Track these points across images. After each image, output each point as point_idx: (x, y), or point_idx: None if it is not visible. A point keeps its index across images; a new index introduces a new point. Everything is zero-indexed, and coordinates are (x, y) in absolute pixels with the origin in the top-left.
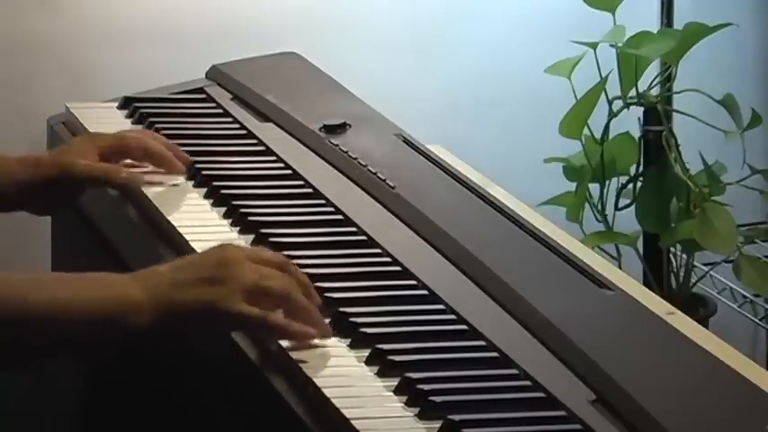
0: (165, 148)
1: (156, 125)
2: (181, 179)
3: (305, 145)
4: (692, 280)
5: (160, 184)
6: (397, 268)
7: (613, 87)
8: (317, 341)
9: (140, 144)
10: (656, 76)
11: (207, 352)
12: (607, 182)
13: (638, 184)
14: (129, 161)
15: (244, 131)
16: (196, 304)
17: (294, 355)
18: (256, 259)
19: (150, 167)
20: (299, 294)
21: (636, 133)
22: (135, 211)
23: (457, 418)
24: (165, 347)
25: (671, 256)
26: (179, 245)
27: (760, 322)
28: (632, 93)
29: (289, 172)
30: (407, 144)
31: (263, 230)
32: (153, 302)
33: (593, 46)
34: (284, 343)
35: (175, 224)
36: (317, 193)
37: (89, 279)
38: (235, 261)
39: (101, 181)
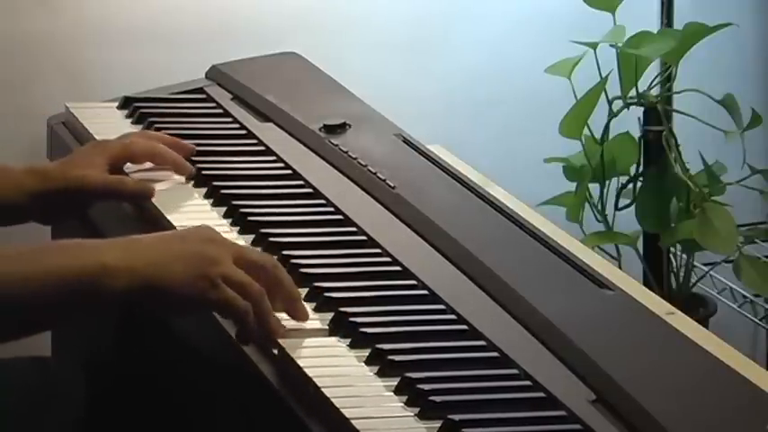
0: (169, 146)
1: (156, 125)
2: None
3: (305, 145)
4: (692, 280)
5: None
6: (397, 268)
7: (613, 87)
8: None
9: (146, 150)
10: (656, 76)
11: (205, 349)
12: (607, 182)
13: (638, 184)
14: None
15: (244, 131)
16: (177, 278)
17: (294, 354)
18: (241, 257)
19: (154, 167)
20: (281, 270)
21: (636, 133)
22: (135, 211)
23: (457, 418)
24: (178, 337)
25: (671, 256)
26: None
27: (760, 322)
28: (632, 93)
29: (289, 172)
30: (407, 144)
31: (263, 230)
32: (129, 268)
33: (593, 46)
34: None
35: (175, 224)
36: (317, 193)
37: (62, 246)
38: (218, 238)
39: (113, 194)
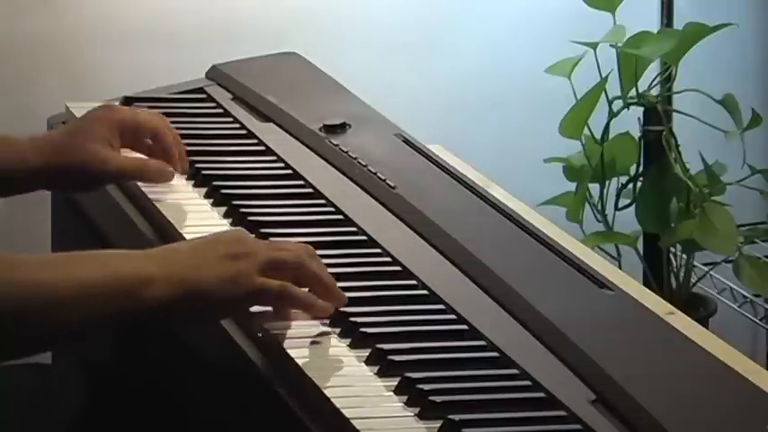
0: (175, 143)
1: None
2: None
3: (305, 145)
4: (692, 280)
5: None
6: (397, 268)
7: (613, 87)
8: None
9: (152, 126)
10: (656, 76)
11: (206, 349)
12: (607, 182)
13: (638, 184)
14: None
15: (244, 131)
16: (215, 280)
17: (294, 354)
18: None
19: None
20: (312, 262)
21: (636, 133)
22: (135, 211)
23: (457, 418)
24: (178, 337)
25: (671, 256)
26: None
27: (760, 322)
28: (632, 93)
29: (289, 172)
30: (407, 144)
31: (263, 230)
32: (167, 277)
33: (593, 46)
34: (286, 331)
35: (175, 224)
36: (317, 193)
37: (102, 256)
38: (249, 239)
39: (136, 178)
